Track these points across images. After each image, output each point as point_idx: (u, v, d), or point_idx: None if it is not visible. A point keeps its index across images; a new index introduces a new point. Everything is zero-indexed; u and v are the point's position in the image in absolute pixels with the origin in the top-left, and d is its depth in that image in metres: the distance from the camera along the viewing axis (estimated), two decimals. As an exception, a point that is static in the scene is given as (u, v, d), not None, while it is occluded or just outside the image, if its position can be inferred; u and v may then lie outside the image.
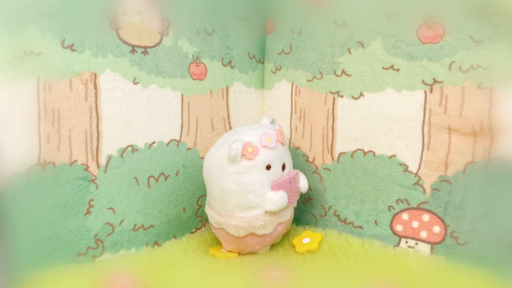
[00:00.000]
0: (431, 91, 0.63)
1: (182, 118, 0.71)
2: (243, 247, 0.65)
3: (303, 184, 0.68)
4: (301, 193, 0.69)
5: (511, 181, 0.57)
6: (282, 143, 0.66)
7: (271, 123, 0.70)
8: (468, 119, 0.60)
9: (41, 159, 0.55)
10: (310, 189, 0.76)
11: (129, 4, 0.63)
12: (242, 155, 0.61)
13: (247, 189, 0.62)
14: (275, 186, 0.63)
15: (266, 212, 0.63)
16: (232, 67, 0.79)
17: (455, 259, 0.61)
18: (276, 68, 0.81)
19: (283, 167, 0.65)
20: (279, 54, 0.80)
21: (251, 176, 0.62)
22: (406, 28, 0.64)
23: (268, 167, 0.63)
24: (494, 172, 0.58)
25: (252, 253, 0.67)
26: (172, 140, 0.70)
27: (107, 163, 0.62)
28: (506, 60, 0.57)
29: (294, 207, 0.71)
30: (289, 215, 0.67)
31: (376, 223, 0.69)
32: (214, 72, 0.76)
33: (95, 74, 0.59)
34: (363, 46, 0.68)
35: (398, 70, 0.65)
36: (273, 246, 0.70)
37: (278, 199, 0.62)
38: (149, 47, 0.66)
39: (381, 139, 0.68)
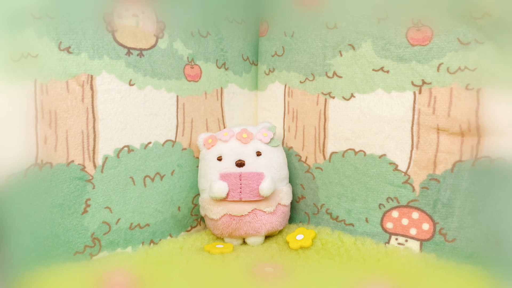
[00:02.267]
0: (420, 92, 0.63)
1: (177, 118, 0.72)
2: (211, 229, 0.71)
3: (262, 185, 0.67)
4: (263, 196, 0.67)
5: (498, 179, 0.58)
6: (244, 142, 0.69)
7: (269, 129, 0.72)
8: (456, 119, 0.61)
9: (38, 160, 0.55)
10: (303, 188, 0.78)
11: (125, 7, 0.64)
12: (204, 144, 0.72)
13: (201, 173, 0.72)
14: (221, 177, 0.68)
15: (211, 198, 0.68)
16: (226, 69, 0.79)
17: (444, 255, 0.61)
18: (270, 70, 0.81)
19: (240, 164, 0.68)
20: (272, 56, 0.80)
21: (205, 163, 0.71)
22: (396, 31, 0.65)
23: (219, 158, 0.69)
24: (481, 170, 0.59)
25: (221, 238, 0.71)
26: (167, 140, 0.71)
27: (104, 163, 0.62)
28: (492, 62, 0.57)
29: (270, 212, 0.69)
30: (244, 212, 0.67)
31: (367, 220, 0.69)
32: (209, 73, 0.76)
33: (92, 76, 0.60)
34: (354, 48, 0.69)
35: (388, 71, 0.66)
36: (267, 242, 0.70)
37: (216, 187, 0.67)
38: (145, 49, 0.66)
39: (371, 139, 0.69)
